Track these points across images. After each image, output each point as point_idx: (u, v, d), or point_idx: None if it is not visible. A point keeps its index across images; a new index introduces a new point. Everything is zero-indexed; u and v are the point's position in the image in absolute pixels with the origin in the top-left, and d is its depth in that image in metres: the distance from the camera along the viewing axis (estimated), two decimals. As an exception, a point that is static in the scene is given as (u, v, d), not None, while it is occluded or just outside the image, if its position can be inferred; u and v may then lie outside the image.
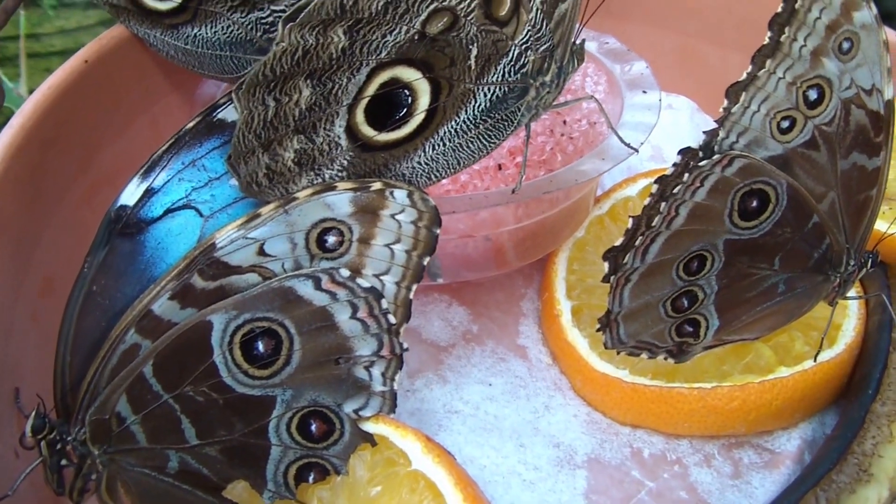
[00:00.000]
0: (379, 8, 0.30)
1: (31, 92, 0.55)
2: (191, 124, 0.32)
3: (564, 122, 0.39)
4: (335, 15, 0.29)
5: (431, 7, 0.30)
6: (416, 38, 0.30)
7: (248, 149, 0.30)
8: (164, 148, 0.32)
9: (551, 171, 0.38)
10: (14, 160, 0.35)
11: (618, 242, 0.34)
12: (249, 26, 0.38)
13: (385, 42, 0.30)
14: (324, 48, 0.30)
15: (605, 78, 0.41)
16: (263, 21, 0.38)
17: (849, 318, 0.37)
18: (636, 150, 0.36)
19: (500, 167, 0.37)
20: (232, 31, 0.38)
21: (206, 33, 0.38)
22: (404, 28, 0.30)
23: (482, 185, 0.37)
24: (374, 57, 0.30)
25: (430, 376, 0.37)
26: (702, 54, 0.48)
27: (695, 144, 0.47)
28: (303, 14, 0.29)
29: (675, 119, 0.46)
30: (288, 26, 0.29)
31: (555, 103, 0.34)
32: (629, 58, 0.41)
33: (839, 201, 0.35)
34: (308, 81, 0.30)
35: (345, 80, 0.30)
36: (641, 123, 0.37)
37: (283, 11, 0.37)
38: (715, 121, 0.33)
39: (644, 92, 0.39)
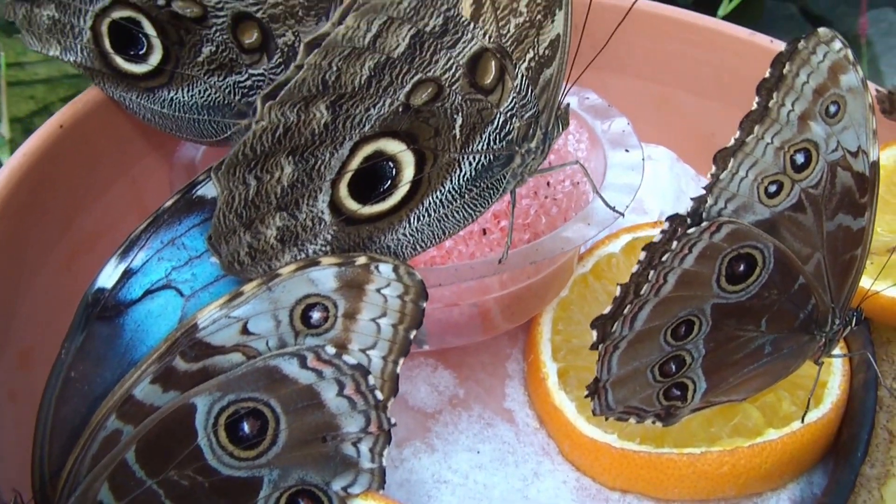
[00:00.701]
0: (362, 82, 0.29)
1: (12, 123, 0.54)
2: (169, 202, 0.31)
3: (548, 183, 0.39)
4: (317, 91, 0.29)
5: (416, 78, 0.30)
6: (400, 110, 0.30)
7: (229, 229, 0.30)
8: (142, 227, 0.31)
9: (536, 235, 0.38)
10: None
11: (606, 310, 0.33)
12: (227, 90, 0.37)
13: (369, 115, 0.30)
14: (306, 125, 0.29)
15: (587, 135, 0.41)
16: (241, 85, 0.37)
17: (833, 376, 0.37)
18: (622, 214, 0.36)
19: (484, 231, 0.37)
20: (209, 94, 0.37)
21: (183, 97, 0.38)
22: (388, 101, 0.30)
23: (466, 250, 0.37)
24: (357, 131, 0.30)
25: (418, 444, 0.36)
26: (680, 104, 0.48)
27: (674, 198, 0.47)
28: (283, 91, 0.28)
29: (655, 170, 0.46)
30: (268, 104, 0.28)
31: (539, 168, 0.34)
32: (610, 113, 0.41)
33: (825, 262, 0.35)
34: (290, 158, 0.29)
35: (328, 155, 0.30)
36: (626, 185, 0.37)
37: (262, 76, 0.37)
38: (703, 187, 0.33)
39: (626, 150, 0.39)
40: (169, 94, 0.38)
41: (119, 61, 0.38)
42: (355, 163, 0.30)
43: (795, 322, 0.35)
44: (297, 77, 0.28)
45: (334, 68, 0.28)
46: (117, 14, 0.37)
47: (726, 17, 0.53)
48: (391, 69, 0.29)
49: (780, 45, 0.45)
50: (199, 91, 0.37)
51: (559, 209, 0.38)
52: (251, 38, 0.36)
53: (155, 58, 0.37)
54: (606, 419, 0.35)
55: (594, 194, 0.39)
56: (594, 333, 0.34)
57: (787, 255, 0.34)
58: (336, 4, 0.35)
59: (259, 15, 0.36)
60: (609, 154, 0.39)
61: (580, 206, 0.39)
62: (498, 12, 0.31)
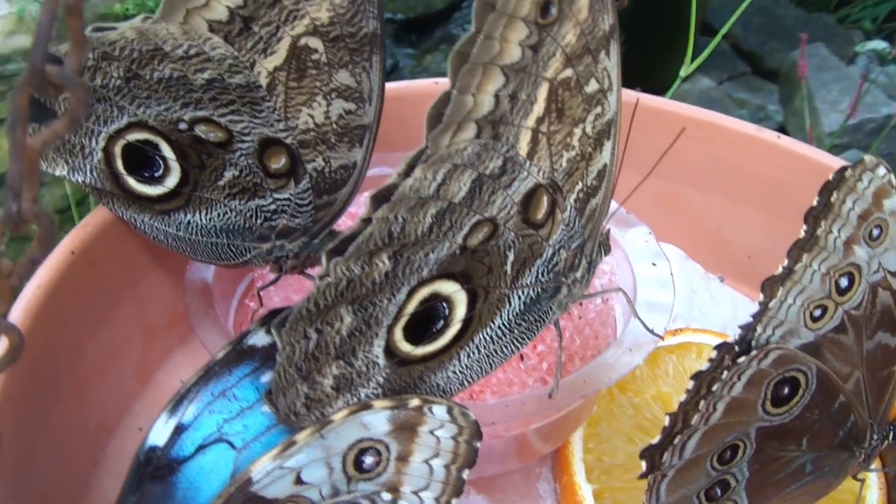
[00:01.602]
0: (425, 230, 0.28)
1: None
2: (221, 354, 0.30)
3: (580, 303, 0.38)
4: (383, 243, 0.28)
5: (474, 220, 0.29)
6: (457, 252, 0.29)
7: (288, 382, 0.28)
8: (192, 381, 0.30)
9: (571, 357, 0.37)
10: (9, 376, 0.32)
11: (654, 441, 0.33)
12: (249, 214, 0.36)
13: (427, 260, 0.29)
14: (367, 276, 0.28)
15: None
16: (265, 209, 0.36)
17: (871, 490, 0.38)
18: (661, 337, 0.36)
19: (521, 357, 0.36)
20: (229, 218, 0.36)
21: (201, 220, 0.36)
22: (447, 244, 0.29)
23: (504, 377, 0.36)
24: (416, 276, 0.29)
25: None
26: (685, 199, 0.48)
27: (686, 299, 0.47)
28: (352, 248, 0.27)
29: (665, 269, 0.46)
30: (334, 261, 0.27)
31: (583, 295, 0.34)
32: (629, 221, 0.41)
33: (864, 379, 0.35)
34: (349, 308, 0.28)
35: (385, 301, 0.29)
36: (658, 304, 0.37)
37: (288, 200, 0.35)
38: (751, 315, 0.33)
39: (653, 265, 0.39)
40: (185, 217, 0.36)
41: (132, 183, 0.36)
42: (411, 307, 0.29)
43: (835, 440, 0.35)
44: (365, 232, 0.27)
45: (400, 219, 0.27)
46: (133, 136, 0.35)
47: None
48: (451, 214, 0.28)
49: (786, 142, 0.46)
50: (219, 214, 0.36)
51: (591, 328, 0.38)
52: (278, 163, 0.35)
53: (172, 180, 0.36)
54: (654, 547, 0.34)
55: (616, 306, 0.39)
56: (643, 464, 0.33)
57: (829, 376, 0.34)
58: (370, 132, 0.34)
59: (288, 141, 0.34)
60: (636, 268, 0.39)
61: (608, 323, 0.39)
62: (552, 148, 0.30)
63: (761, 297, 0.33)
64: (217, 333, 0.36)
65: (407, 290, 0.29)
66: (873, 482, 0.38)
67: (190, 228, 0.36)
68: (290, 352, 0.28)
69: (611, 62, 0.30)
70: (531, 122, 0.29)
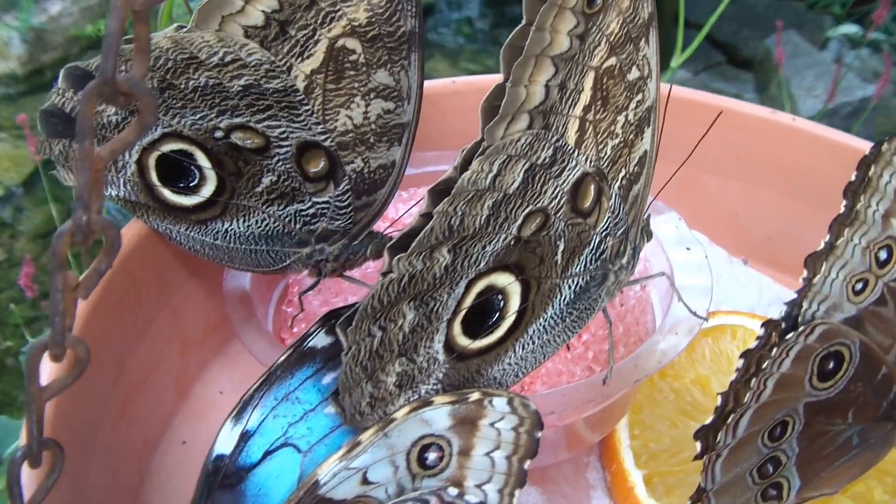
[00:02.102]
0: (482, 222, 0.28)
1: None
2: (282, 358, 0.30)
3: (622, 290, 0.38)
4: (443, 237, 0.28)
5: (527, 211, 0.29)
6: (511, 243, 0.29)
7: (354, 382, 0.28)
8: (254, 386, 0.30)
9: (615, 344, 0.37)
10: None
11: (707, 421, 0.33)
12: (287, 219, 0.36)
13: (484, 253, 0.29)
14: (428, 270, 0.28)
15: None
16: (303, 213, 0.36)
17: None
18: (705, 319, 0.36)
19: (568, 347, 0.36)
20: (268, 224, 0.36)
21: (239, 228, 0.36)
22: (503, 236, 0.29)
23: (553, 367, 0.36)
24: (473, 269, 0.29)
25: (521, 571, 0.35)
26: (703, 185, 0.49)
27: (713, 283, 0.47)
28: (415, 243, 0.27)
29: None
30: (397, 257, 0.27)
31: (629, 281, 0.34)
32: (658, 208, 0.41)
33: (904, 350, 0.35)
34: (411, 304, 0.28)
35: (445, 296, 0.29)
36: (698, 286, 0.37)
37: (327, 204, 0.35)
38: (797, 291, 0.33)
39: (688, 249, 0.39)
40: (223, 225, 0.36)
41: (167, 194, 0.36)
42: (469, 300, 0.29)
43: (879, 411, 0.36)
44: (427, 227, 0.27)
45: (459, 212, 0.28)
46: (168, 147, 0.35)
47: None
48: (506, 205, 0.29)
49: (802, 123, 0.47)
50: (257, 221, 0.36)
51: (632, 315, 0.38)
52: (317, 166, 0.35)
53: (208, 189, 0.35)
54: (711, 526, 0.35)
55: (658, 301, 0.39)
56: (698, 445, 0.33)
57: (872, 349, 0.34)
58: (408, 130, 0.34)
59: (327, 144, 0.34)
60: (670, 254, 0.39)
61: (647, 310, 0.39)
62: (598, 136, 0.30)
63: (804, 273, 0.34)
64: (263, 340, 0.35)
65: (465, 283, 0.29)
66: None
67: (228, 237, 0.36)
68: (356, 351, 0.28)
69: (650, 49, 0.31)
70: (579, 110, 0.29)
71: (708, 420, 0.33)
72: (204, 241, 0.36)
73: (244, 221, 0.36)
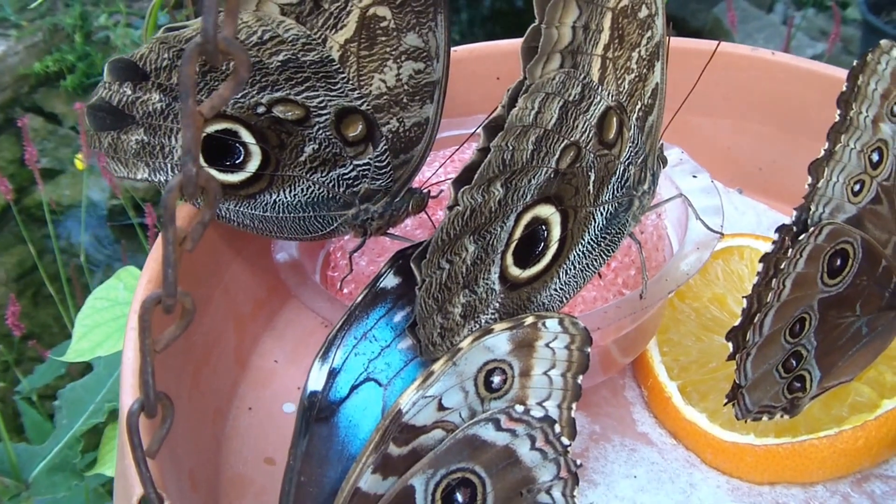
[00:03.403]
0: (528, 156, 0.31)
1: None
2: (359, 298, 0.32)
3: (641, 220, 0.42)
4: (498, 171, 0.31)
5: (563, 145, 0.32)
6: (552, 176, 0.32)
7: (428, 314, 0.31)
8: (337, 327, 0.32)
9: (638, 268, 0.40)
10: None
11: (736, 323, 0.37)
12: (331, 184, 0.38)
13: (530, 186, 0.32)
14: (486, 204, 0.31)
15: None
16: (346, 177, 0.38)
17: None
18: (721, 234, 0.39)
19: (599, 275, 0.40)
20: (313, 191, 0.38)
21: (286, 198, 0.39)
22: (544, 170, 0.32)
23: (588, 295, 0.39)
24: (521, 202, 0.32)
25: (582, 484, 0.38)
26: (694, 127, 0.52)
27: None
28: (477, 175, 0.30)
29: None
30: (462, 190, 0.30)
31: (651, 205, 0.37)
32: (664, 146, 0.44)
33: (900, 243, 0.39)
34: (471, 238, 0.31)
35: (499, 229, 0.32)
36: (710, 207, 0.40)
37: (367, 165, 0.38)
38: (803, 197, 0.37)
39: (694, 177, 0.43)
40: (271, 197, 0.39)
41: (215, 174, 0.38)
42: (518, 232, 0.32)
43: (883, 301, 0.39)
44: (486, 160, 0.30)
45: (510, 147, 0.31)
46: (212, 128, 0.37)
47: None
48: (546, 140, 0.32)
49: (781, 57, 0.50)
50: (302, 189, 0.38)
51: (652, 242, 0.41)
52: (356, 130, 0.37)
53: (253, 164, 0.38)
54: (746, 421, 0.38)
55: (672, 228, 0.43)
56: (730, 345, 0.37)
57: (872, 244, 0.38)
58: (439, 86, 0.37)
59: (364, 108, 0.37)
60: (679, 182, 0.42)
61: (663, 235, 0.42)
62: (617, 73, 0.33)
63: (809, 179, 0.37)
64: (322, 299, 0.38)
65: (514, 216, 0.32)
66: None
67: (276, 207, 0.39)
68: (429, 284, 0.31)
69: (655, -13, 0.34)
70: (600, 49, 0.32)
71: (736, 322, 0.37)
72: (254, 215, 0.39)
73: (290, 191, 0.38)
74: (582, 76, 0.32)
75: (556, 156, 0.32)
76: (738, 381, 0.37)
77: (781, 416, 0.39)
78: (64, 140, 1.56)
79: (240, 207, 0.39)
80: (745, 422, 0.38)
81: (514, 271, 0.33)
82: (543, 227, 0.33)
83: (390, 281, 0.33)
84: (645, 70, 0.35)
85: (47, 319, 1.23)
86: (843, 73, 0.50)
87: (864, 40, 1.52)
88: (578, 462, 0.34)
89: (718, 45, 0.41)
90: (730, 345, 0.37)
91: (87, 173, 1.08)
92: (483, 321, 0.33)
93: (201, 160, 0.38)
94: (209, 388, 0.40)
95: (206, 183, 0.26)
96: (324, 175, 0.38)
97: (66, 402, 0.71)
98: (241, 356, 0.44)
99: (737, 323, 0.37)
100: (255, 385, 0.43)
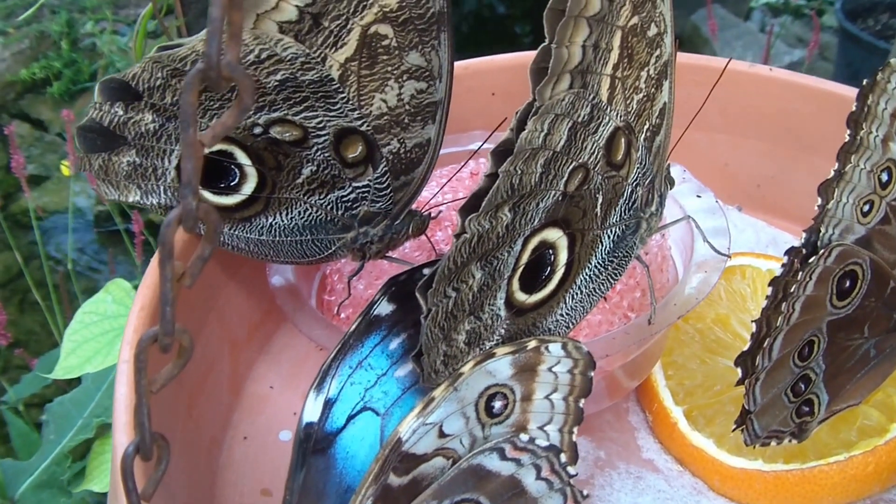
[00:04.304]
0: (537, 179, 0.30)
1: None
2: (353, 327, 0.31)
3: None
4: (507, 196, 0.30)
5: (571, 167, 0.31)
6: (560, 199, 0.32)
7: (434, 342, 0.30)
8: (331, 357, 0.31)
9: (644, 292, 0.40)
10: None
11: (746, 347, 0.36)
12: (329, 207, 0.37)
13: (538, 209, 0.31)
14: (493, 230, 0.30)
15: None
16: (344, 199, 0.37)
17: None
18: (729, 256, 0.39)
19: (605, 298, 0.39)
20: (311, 214, 0.37)
21: (283, 221, 0.37)
22: (552, 193, 0.31)
23: (593, 318, 0.39)
24: (529, 226, 0.31)
25: (588, 512, 0.38)
26: (691, 142, 0.51)
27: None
28: (485, 202, 0.29)
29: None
30: (469, 217, 0.29)
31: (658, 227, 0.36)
32: (664, 165, 0.44)
33: (908, 264, 0.38)
34: (479, 264, 0.30)
35: (506, 254, 0.31)
36: (715, 228, 0.40)
37: (366, 187, 0.37)
38: (813, 218, 0.36)
39: (698, 196, 0.42)
40: (267, 220, 0.37)
41: (209, 196, 0.37)
42: (525, 257, 0.32)
43: (891, 323, 0.39)
44: (494, 186, 0.29)
45: (518, 171, 0.30)
46: (206, 149, 0.36)
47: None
48: (555, 162, 0.31)
49: (778, 73, 0.50)
50: (300, 212, 0.37)
51: (656, 263, 0.41)
52: (355, 152, 0.36)
53: (249, 187, 0.37)
54: (755, 447, 0.37)
55: (672, 242, 0.42)
56: (739, 370, 0.36)
57: (880, 265, 0.37)
58: (441, 107, 0.36)
59: (364, 128, 0.36)
60: (683, 202, 0.42)
61: (667, 256, 0.42)
62: (625, 92, 0.33)
63: (819, 200, 0.36)
64: (319, 326, 0.37)
65: (522, 240, 0.31)
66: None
67: (272, 231, 0.38)
68: (435, 312, 0.30)
69: (665, 6, 0.33)
70: (609, 69, 0.32)
71: (745, 347, 0.36)
72: (249, 238, 0.38)
73: (287, 214, 0.37)
74: (591, 96, 0.31)
75: (565, 178, 0.31)
76: (746, 407, 0.37)
77: (790, 441, 0.38)
78: (50, 146, 1.55)
79: (235, 231, 0.38)
80: (754, 447, 0.38)
81: (521, 297, 0.32)
82: (550, 251, 0.32)
83: (384, 308, 0.32)
84: (653, 89, 0.34)
85: (34, 326, 1.22)
86: (840, 88, 0.50)
87: (841, 47, 1.52)
88: (585, 492, 0.33)
89: (728, 62, 0.40)
90: (738, 370, 0.36)
91: (74, 179, 1.07)
92: (487, 347, 0.32)
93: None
94: (203, 418, 0.39)
95: (206, 216, 0.25)
96: (322, 197, 0.37)
97: (54, 416, 0.69)
98: (236, 382, 0.42)
99: (746, 347, 0.36)
100: (251, 412, 0.42)
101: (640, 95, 0.33)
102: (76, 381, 0.73)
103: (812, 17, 1.19)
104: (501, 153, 0.29)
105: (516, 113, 0.30)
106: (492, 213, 0.30)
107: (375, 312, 0.32)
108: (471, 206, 0.29)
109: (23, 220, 1.37)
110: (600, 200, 0.33)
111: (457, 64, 0.49)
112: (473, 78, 0.50)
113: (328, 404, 0.31)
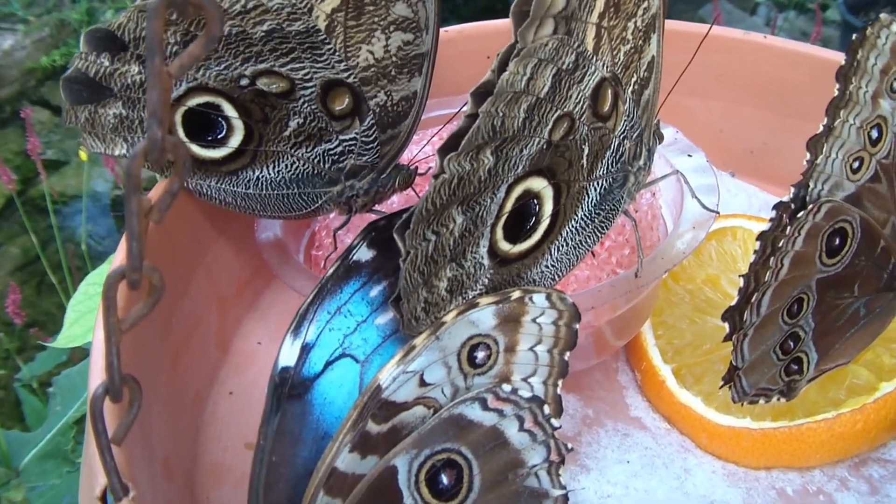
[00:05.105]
0: (520, 124, 0.30)
1: None
2: (330, 271, 0.31)
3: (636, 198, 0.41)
4: (488, 137, 0.29)
5: (556, 115, 0.31)
6: (544, 147, 0.31)
7: (413, 287, 0.30)
8: (308, 301, 0.31)
9: (633, 249, 0.39)
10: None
11: (733, 303, 0.36)
12: (316, 160, 0.37)
13: (521, 156, 0.31)
14: (474, 173, 0.30)
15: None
16: (331, 152, 0.37)
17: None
18: (717, 213, 0.38)
19: (593, 254, 0.39)
20: (297, 167, 0.37)
21: (269, 174, 0.37)
22: (536, 140, 0.31)
23: (581, 274, 0.38)
24: (512, 173, 0.31)
25: (573, 468, 0.37)
26: (687, 109, 0.51)
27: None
28: (464, 142, 0.29)
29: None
30: (448, 157, 0.29)
31: (646, 182, 0.36)
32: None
33: (898, 222, 0.38)
34: (460, 209, 0.30)
35: (488, 200, 0.31)
36: (705, 186, 0.40)
37: (353, 140, 0.37)
38: (802, 174, 0.36)
39: (689, 156, 0.42)
40: (254, 173, 0.37)
41: (196, 149, 0.37)
42: (509, 204, 0.31)
43: (881, 282, 0.38)
44: (474, 126, 0.29)
45: (500, 114, 0.29)
46: (194, 101, 0.36)
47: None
48: (539, 109, 0.31)
49: (772, 40, 0.50)
50: (286, 165, 0.37)
51: (645, 220, 0.40)
52: (342, 104, 0.36)
53: (236, 140, 0.37)
54: (742, 405, 0.37)
55: (666, 206, 0.42)
56: (727, 326, 0.36)
57: (870, 223, 0.37)
58: (428, 59, 0.36)
59: (351, 80, 0.36)
60: (674, 161, 0.41)
61: (657, 214, 0.41)
62: (612, 43, 0.32)
63: (802, 160, 0.36)
64: (302, 277, 0.37)
65: (505, 187, 0.31)
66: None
67: (259, 184, 0.37)
68: (414, 255, 0.30)
69: (651, -44, 0.33)
70: (595, 17, 0.31)
71: (733, 302, 0.36)
72: (236, 192, 0.38)
73: (274, 167, 0.37)
74: (576, 44, 0.31)
75: (549, 126, 0.31)
76: (734, 363, 0.36)
77: (778, 400, 0.38)
78: (70, 132, 1.56)
79: (222, 184, 0.38)
80: (742, 405, 0.37)
81: (504, 246, 0.32)
82: (535, 200, 0.32)
83: (364, 254, 0.32)
84: (641, 42, 0.34)
85: (51, 308, 1.23)
86: (834, 55, 0.49)
87: (844, 40, 1.53)
88: (570, 446, 0.33)
89: (711, 27, 0.40)
90: (726, 326, 0.36)
91: (91, 164, 1.07)
92: (470, 296, 0.32)
93: (181, 134, 0.37)
94: (189, 373, 0.39)
95: (174, 149, 0.24)
96: (309, 150, 0.37)
97: (61, 388, 0.70)
98: (223, 339, 0.42)
99: (733, 303, 0.36)
100: (237, 368, 0.42)
101: (628, 47, 0.33)
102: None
103: (816, 12, 1.19)
104: (482, 94, 0.29)
105: (497, 54, 0.30)
106: (472, 155, 0.29)
107: (355, 258, 0.32)
108: (450, 146, 0.29)
109: (41, 204, 1.38)
110: (586, 151, 0.33)
111: (451, 28, 0.50)
112: (468, 41, 0.49)
113: (305, 349, 0.31)
